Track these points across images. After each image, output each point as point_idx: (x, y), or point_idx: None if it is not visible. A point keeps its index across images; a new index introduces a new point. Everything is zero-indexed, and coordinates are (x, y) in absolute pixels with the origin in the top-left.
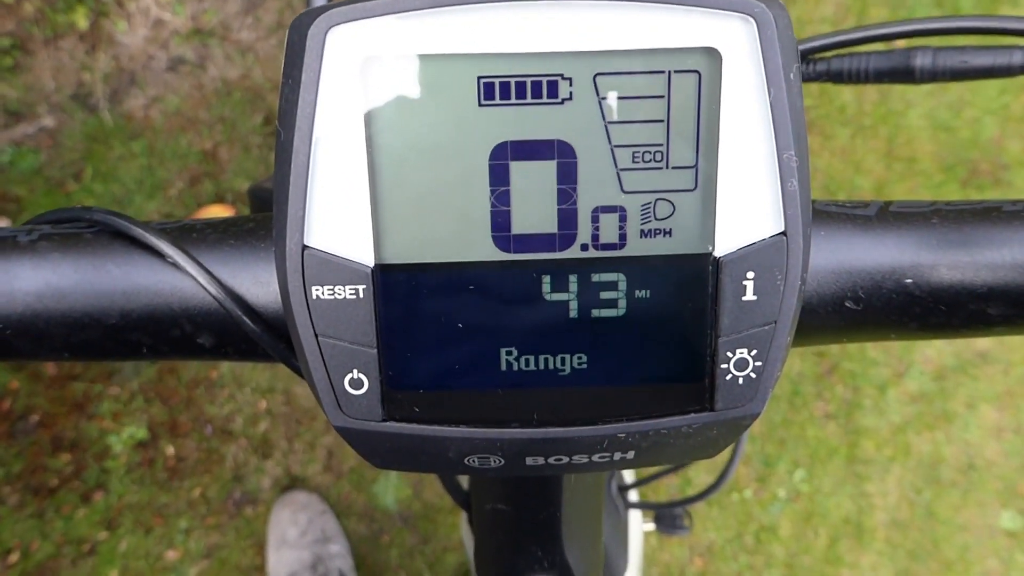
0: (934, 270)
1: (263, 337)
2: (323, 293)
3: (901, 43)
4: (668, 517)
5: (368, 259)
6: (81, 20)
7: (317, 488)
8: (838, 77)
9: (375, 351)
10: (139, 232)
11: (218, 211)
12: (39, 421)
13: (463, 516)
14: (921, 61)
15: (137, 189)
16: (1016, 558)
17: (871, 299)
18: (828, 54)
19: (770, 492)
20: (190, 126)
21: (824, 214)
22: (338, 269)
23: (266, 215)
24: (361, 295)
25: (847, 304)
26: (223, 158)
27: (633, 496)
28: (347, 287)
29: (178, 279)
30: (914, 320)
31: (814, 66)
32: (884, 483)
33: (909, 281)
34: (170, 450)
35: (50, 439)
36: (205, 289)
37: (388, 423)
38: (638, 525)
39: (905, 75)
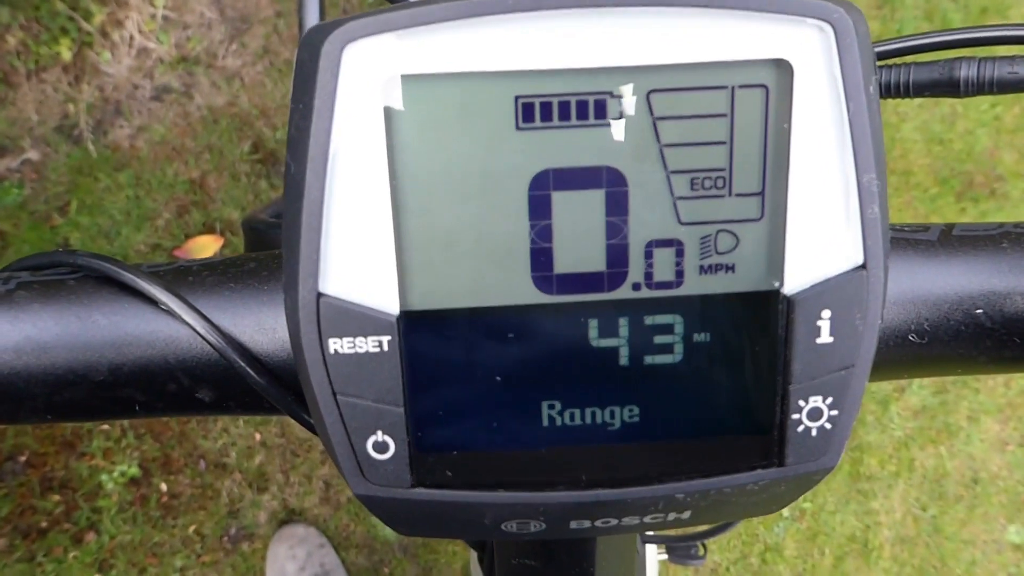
0: (1008, 299)
1: (270, 391)
2: (342, 347)
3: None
4: (682, 548)
5: (393, 307)
6: (65, 51)
7: (315, 521)
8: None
9: (402, 410)
10: (128, 277)
11: (207, 242)
12: (27, 461)
13: (473, 554)
14: (966, 72)
15: (124, 221)
16: None
17: (937, 332)
18: None
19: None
20: (177, 155)
21: None
22: (359, 319)
23: (269, 254)
24: (385, 347)
25: (911, 338)
26: (211, 187)
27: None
28: (369, 339)
29: (173, 328)
30: (984, 353)
31: None
32: (889, 499)
33: (979, 311)
34: (163, 487)
35: (39, 479)
36: (204, 338)
37: (417, 490)
38: (653, 557)
39: (949, 88)
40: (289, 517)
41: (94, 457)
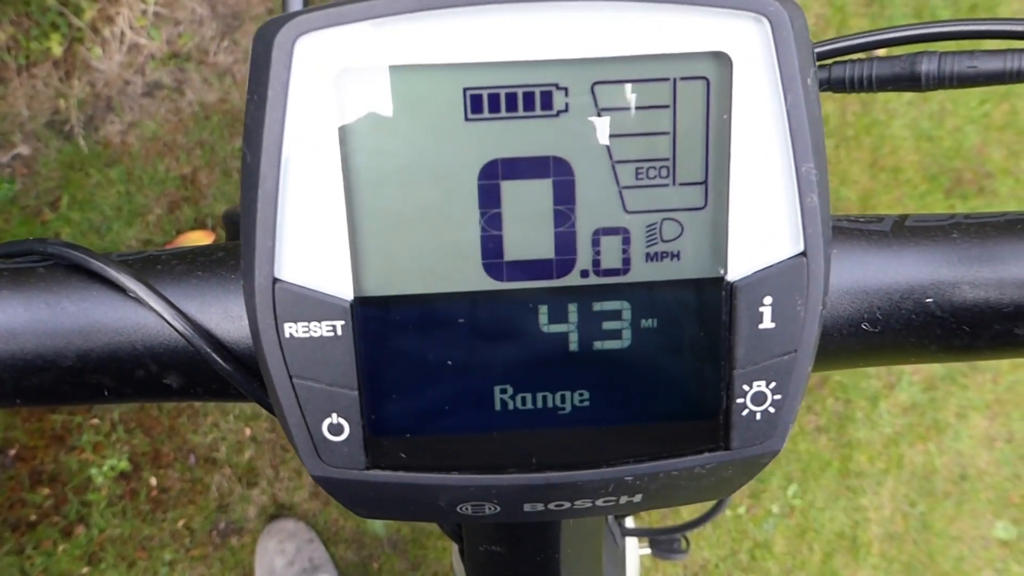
0: (956, 288)
1: (235, 376)
2: (297, 331)
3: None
4: (664, 541)
5: (346, 292)
6: (55, 47)
7: (304, 516)
8: (840, 85)
9: (356, 393)
10: (98, 265)
11: (198, 237)
12: (17, 454)
13: (455, 547)
14: (927, 67)
15: (115, 216)
16: (1011, 568)
17: (889, 320)
18: (828, 61)
19: (763, 508)
20: (168, 151)
21: (836, 230)
22: (313, 304)
23: (237, 244)
24: (339, 332)
25: (863, 326)
26: (202, 183)
27: (629, 522)
28: (323, 323)
29: (141, 315)
30: (935, 342)
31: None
32: (878, 496)
33: (930, 300)
34: (153, 481)
35: (29, 473)
36: (171, 325)
37: (372, 471)
38: (634, 550)
39: (911, 82)
40: (278, 512)
41: (84, 451)
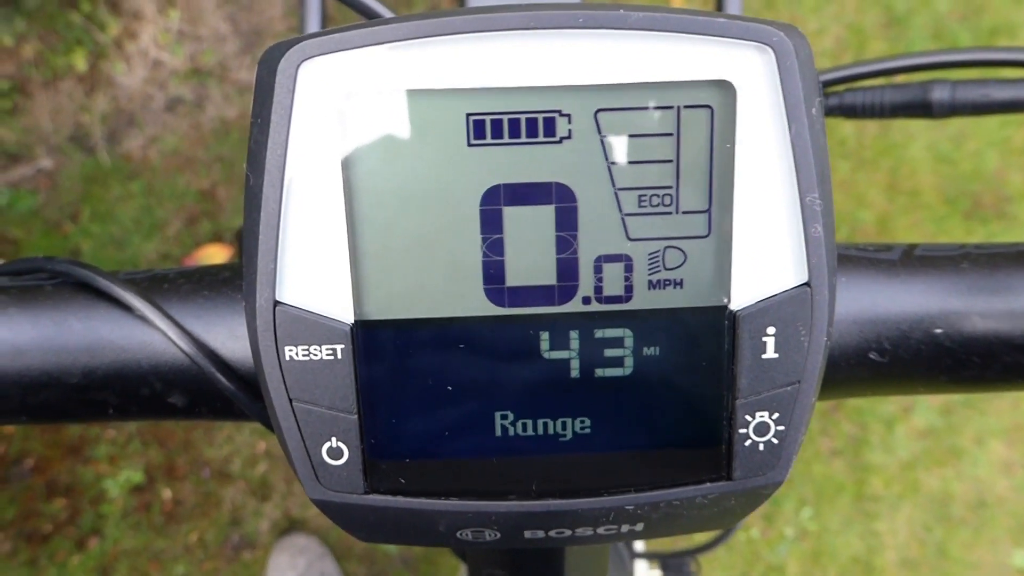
0: (966, 319)
1: (239, 396)
2: (297, 354)
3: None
4: (675, 565)
5: (347, 316)
6: (80, 62)
7: (316, 531)
8: (851, 112)
9: (355, 417)
10: (104, 283)
11: (216, 251)
12: (33, 466)
13: (462, 567)
14: (939, 95)
15: (135, 229)
16: None
17: (897, 350)
18: (840, 87)
19: (777, 531)
20: (188, 166)
21: (844, 259)
22: (314, 327)
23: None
24: (339, 355)
25: (871, 356)
26: (221, 197)
27: (639, 545)
28: (324, 347)
29: (147, 334)
30: (944, 373)
31: (826, 100)
32: (893, 521)
33: (939, 331)
34: (167, 494)
35: (44, 484)
36: (176, 344)
37: (371, 496)
38: (644, 574)
39: (922, 109)
40: (291, 526)
41: (99, 463)
